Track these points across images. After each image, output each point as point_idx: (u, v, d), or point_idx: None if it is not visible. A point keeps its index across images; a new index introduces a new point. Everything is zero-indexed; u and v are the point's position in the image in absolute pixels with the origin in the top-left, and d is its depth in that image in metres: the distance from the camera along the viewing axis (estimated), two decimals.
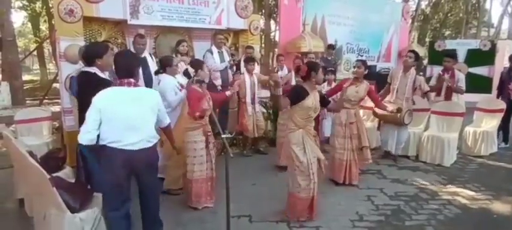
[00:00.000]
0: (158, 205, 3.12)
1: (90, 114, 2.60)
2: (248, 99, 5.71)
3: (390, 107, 5.10)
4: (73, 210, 2.79)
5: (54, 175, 3.11)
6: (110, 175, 2.68)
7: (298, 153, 3.53)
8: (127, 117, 2.63)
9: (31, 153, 3.04)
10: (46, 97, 11.11)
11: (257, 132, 5.92)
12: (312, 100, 3.51)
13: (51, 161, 3.65)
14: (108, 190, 2.75)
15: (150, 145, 2.78)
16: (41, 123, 5.35)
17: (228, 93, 4.65)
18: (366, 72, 4.79)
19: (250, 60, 5.76)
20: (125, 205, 2.83)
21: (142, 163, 2.77)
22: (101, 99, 2.61)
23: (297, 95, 3.51)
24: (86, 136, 2.59)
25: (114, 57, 2.87)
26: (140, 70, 4.85)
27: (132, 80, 2.70)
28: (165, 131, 3.20)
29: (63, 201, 2.73)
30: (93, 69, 3.37)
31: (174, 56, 5.38)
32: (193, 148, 3.85)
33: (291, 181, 3.66)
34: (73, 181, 3.34)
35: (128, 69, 2.72)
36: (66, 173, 3.67)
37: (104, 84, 2.98)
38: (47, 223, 2.83)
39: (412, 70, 5.41)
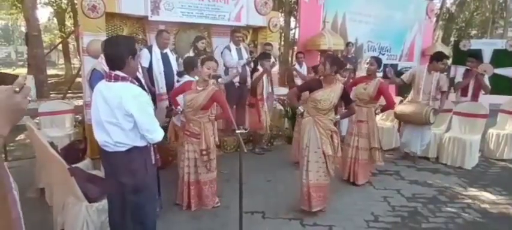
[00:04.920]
0: None
1: None
2: (265, 95, 5.72)
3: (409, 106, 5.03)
4: (91, 200, 2.87)
5: (74, 165, 3.19)
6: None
7: (303, 138, 3.68)
8: (97, 115, 2.40)
9: (52, 144, 3.14)
10: (70, 91, 11.38)
11: (267, 129, 5.96)
12: (322, 94, 3.58)
13: (71, 152, 3.76)
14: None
15: (123, 149, 2.40)
16: (63, 115, 5.51)
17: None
18: (380, 70, 4.75)
19: (265, 56, 5.73)
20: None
21: (120, 170, 2.45)
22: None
23: (307, 85, 3.73)
24: None
25: (103, 46, 2.47)
26: (159, 65, 5.04)
27: (115, 73, 2.34)
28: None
29: (81, 191, 2.81)
30: None
31: (193, 54, 5.43)
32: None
33: None
34: (93, 172, 3.45)
35: (114, 59, 2.36)
36: (86, 164, 3.77)
37: None
38: (66, 211, 2.92)
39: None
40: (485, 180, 4.98)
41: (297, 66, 6.86)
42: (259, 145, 6.15)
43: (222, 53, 5.93)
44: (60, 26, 20.80)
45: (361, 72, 8.61)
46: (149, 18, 5.58)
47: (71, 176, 2.77)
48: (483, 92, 5.92)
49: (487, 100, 6.16)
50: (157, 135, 2.43)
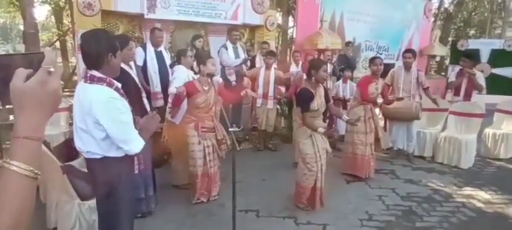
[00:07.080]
0: None
1: None
2: (260, 92, 5.71)
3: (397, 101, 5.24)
4: (83, 198, 2.86)
5: (67, 163, 3.18)
6: None
7: (305, 145, 3.67)
8: (75, 118, 2.18)
9: (45, 142, 3.11)
10: (66, 89, 11.37)
11: (267, 128, 5.95)
12: (317, 101, 3.59)
13: (65, 150, 3.75)
14: None
15: (98, 157, 2.13)
16: (58, 113, 5.47)
17: (243, 92, 4.42)
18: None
19: (269, 54, 5.77)
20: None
21: (94, 176, 2.27)
22: None
23: (303, 100, 3.60)
24: None
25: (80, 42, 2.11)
26: (154, 63, 5.02)
27: (90, 73, 2.03)
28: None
29: (74, 189, 2.81)
30: None
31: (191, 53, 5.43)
32: (190, 143, 3.85)
33: (298, 172, 3.84)
34: (86, 170, 3.43)
35: (90, 57, 2.04)
36: (80, 162, 3.72)
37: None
38: (58, 209, 2.91)
39: (414, 67, 5.47)
40: (481, 180, 4.98)
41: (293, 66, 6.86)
42: (262, 142, 6.17)
43: (218, 51, 5.92)
44: (57, 24, 20.73)
45: (358, 71, 8.65)
46: (145, 16, 5.56)
47: (63, 174, 2.76)
48: (477, 92, 5.93)
49: (483, 100, 6.16)
50: (135, 145, 2.07)
